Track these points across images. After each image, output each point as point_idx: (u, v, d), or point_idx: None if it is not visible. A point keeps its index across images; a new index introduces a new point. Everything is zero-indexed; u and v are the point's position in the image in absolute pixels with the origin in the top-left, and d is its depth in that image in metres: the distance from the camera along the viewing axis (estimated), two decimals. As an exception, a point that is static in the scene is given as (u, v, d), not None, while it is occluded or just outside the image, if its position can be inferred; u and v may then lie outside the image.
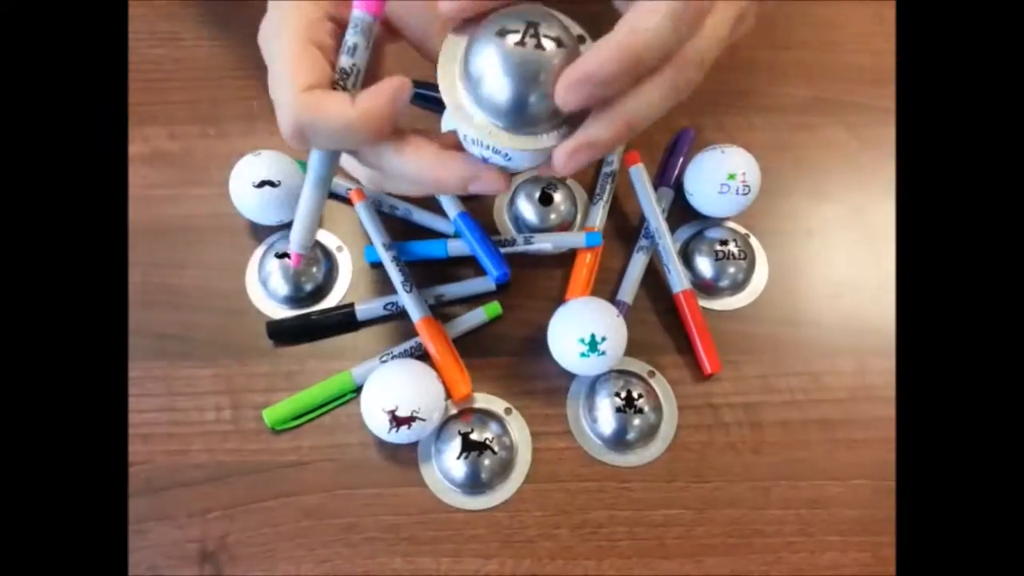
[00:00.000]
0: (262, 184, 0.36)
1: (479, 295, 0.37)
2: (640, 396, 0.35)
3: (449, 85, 0.24)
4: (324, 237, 0.39)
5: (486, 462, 0.33)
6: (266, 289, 0.37)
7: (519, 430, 0.35)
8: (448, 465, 0.34)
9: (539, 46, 0.22)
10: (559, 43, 0.22)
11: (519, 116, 0.23)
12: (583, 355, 0.33)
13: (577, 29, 0.24)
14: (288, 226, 0.38)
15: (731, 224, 0.40)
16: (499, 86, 0.23)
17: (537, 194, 0.39)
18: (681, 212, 0.40)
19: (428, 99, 0.38)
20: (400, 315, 0.36)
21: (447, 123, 0.37)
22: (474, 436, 0.34)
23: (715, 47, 0.24)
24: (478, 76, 0.23)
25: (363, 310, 0.36)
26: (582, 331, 0.33)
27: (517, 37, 0.22)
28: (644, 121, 0.23)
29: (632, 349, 0.35)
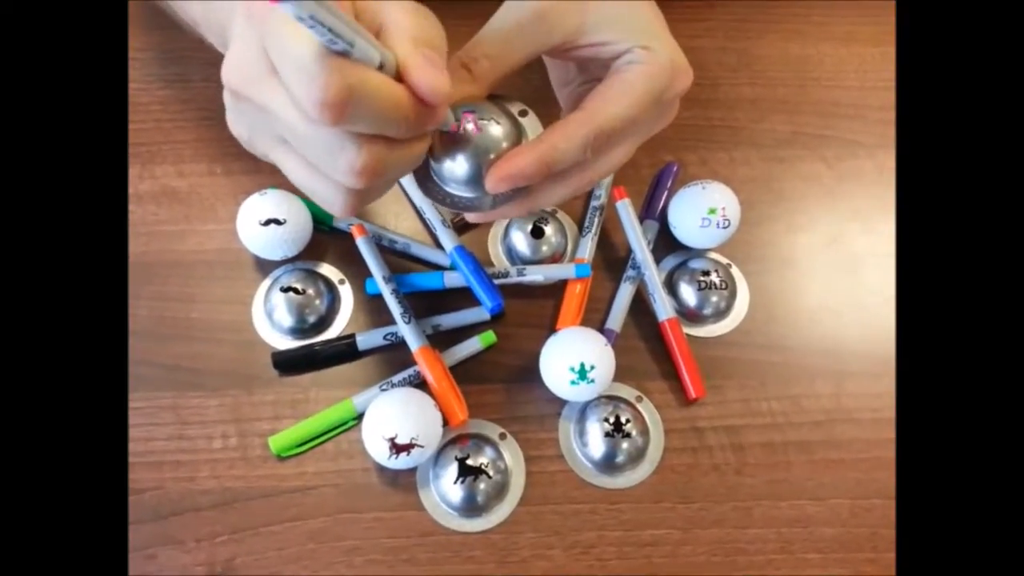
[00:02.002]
0: (268, 222, 0.38)
1: (474, 324, 0.39)
2: (628, 421, 0.36)
3: None
4: (326, 271, 0.41)
5: (482, 486, 0.35)
6: (271, 321, 0.39)
7: (513, 454, 0.37)
8: (445, 489, 0.35)
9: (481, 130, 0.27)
10: (497, 124, 0.28)
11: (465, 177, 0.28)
12: (573, 383, 0.35)
13: (519, 106, 0.29)
14: (291, 261, 0.40)
15: (713, 255, 0.42)
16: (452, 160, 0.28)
17: (529, 227, 0.41)
18: (666, 243, 0.42)
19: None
20: (399, 345, 0.38)
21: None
22: (470, 461, 0.35)
23: (617, 165, 0.30)
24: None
25: (364, 340, 0.38)
26: (572, 360, 0.35)
27: (459, 126, 0.27)
28: (545, 206, 0.31)
29: (620, 375, 0.37)
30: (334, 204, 0.26)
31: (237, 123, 0.27)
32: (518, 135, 0.28)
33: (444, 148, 0.28)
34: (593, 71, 0.31)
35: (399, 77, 0.23)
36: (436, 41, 0.24)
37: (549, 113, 0.30)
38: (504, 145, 0.27)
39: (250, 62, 0.24)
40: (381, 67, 0.22)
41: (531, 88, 0.30)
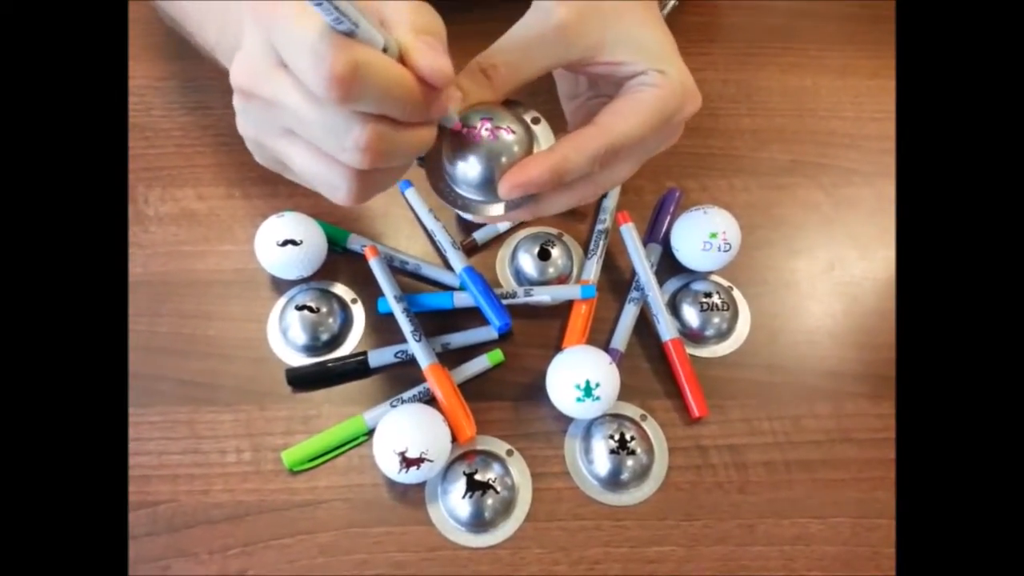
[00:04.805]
0: (285, 243, 0.39)
1: (483, 343, 0.40)
2: (633, 438, 0.37)
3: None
4: (339, 290, 0.42)
5: (489, 501, 0.36)
6: (286, 339, 0.40)
7: (520, 471, 0.37)
8: (453, 504, 0.36)
9: (495, 136, 0.28)
10: (511, 132, 0.28)
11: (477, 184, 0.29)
12: (579, 400, 0.36)
13: (532, 114, 0.30)
14: (306, 280, 0.42)
15: (715, 277, 0.43)
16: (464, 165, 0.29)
17: (536, 250, 0.42)
18: (669, 266, 0.43)
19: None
20: (410, 362, 0.39)
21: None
22: (478, 476, 0.36)
23: (621, 179, 0.32)
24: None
25: (375, 358, 0.39)
26: (578, 378, 0.36)
27: (476, 131, 0.28)
28: (551, 212, 0.31)
29: (625, 394, 0.38)
30: (340, 188, 0.26)
31: (245, 123, 0.28)
32: (530, 142, 0.29)
33: (459, 151, 0.28)
34: (603, 88, 0.32)
35: (403, 63, 0.24)
36: (436, 30, 0.25)
37: (553, 129, 0.31)
38: (517, 151, 0.28)
39: (257, 59, 0.25)
40: (385, 51, 0.23)
41: (536, 104, 0.31)
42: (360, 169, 0.25)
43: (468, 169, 0.29)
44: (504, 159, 0.28)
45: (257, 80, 0.25)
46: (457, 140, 0.28)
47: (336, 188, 0.27)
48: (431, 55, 0.24)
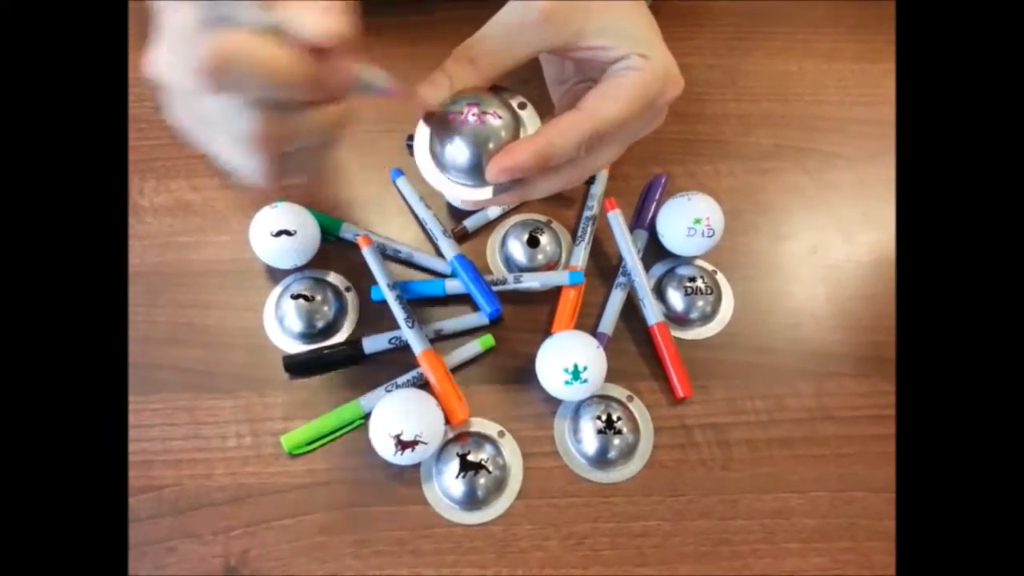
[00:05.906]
0: (279, 233, 0.40)
1: (474, 329, 0.41)
2: (620, 419, 0.39)
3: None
4: (334, 279, 0.43)
5: (482, 480, 0.37)
6: (282, 327, 0.41)
7: (511, 451, 0.39)
8: (448, 484, 0.37)
9: (481, 122, 0.29)
10: (498, 117, 0.29)
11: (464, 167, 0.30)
12: (568, 383, 0.37)
13: (519, 99, 0.31)
14: (301, 269, 0.43)
15: (700, 262, 0.44)
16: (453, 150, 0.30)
17: (525, 237, 0.43)
18: (654, 251, 0.44)
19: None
20: (403, 348, 0.40)
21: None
22: (471, 457, 0.37)
23: (606, 163, 0.32)
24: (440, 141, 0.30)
25: (370, 344, 0.40)
26: (566, 361, 0.37)
27: (463, 116, 0.29)
28: (537, 196, 0.32)
29: (612, 376, 0.39)
30: (254, 173, 0.25)
31: (170, 114, 0.26)
32: (517, 127, 0.30)
33: (446, 136, 0.29)
34: (588, 72, 0.33)
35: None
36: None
37: (541, 114, 0.31)
38: (504, 136, 0.29)
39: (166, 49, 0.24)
40: (273, 34, 0.21)
41: (523, 90, 0.32)
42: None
43: (456, 154, 0.29)
44: (491, 144, 0.29)
45: (170, 69, 0.24)
46: (444, 125, 0.29)
47: (249, 171, 0.25)
48: (314, 17, 0.21)
